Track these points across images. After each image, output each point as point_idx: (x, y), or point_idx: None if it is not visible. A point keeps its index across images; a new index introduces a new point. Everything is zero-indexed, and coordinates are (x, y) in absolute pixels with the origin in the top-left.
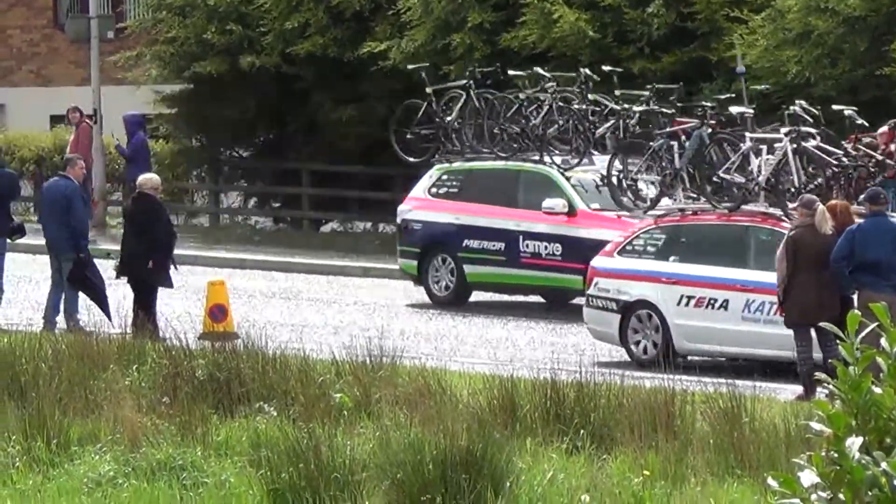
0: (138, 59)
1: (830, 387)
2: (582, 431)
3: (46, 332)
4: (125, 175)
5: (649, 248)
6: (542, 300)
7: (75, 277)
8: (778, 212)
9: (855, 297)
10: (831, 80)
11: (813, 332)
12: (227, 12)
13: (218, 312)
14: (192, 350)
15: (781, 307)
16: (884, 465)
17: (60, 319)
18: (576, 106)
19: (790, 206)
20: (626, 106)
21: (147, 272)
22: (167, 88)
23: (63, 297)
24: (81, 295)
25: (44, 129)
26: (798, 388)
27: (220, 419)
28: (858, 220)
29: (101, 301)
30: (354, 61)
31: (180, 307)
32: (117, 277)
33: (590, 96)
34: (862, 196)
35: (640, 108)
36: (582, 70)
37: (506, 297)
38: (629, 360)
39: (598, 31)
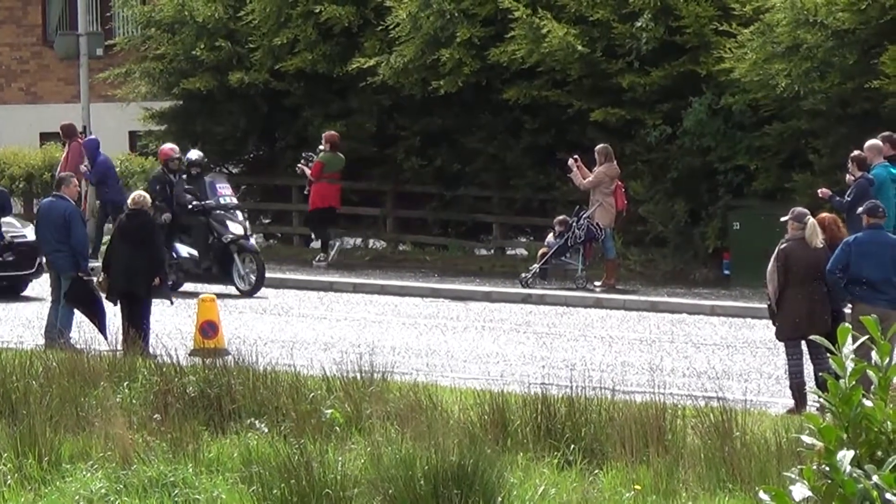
0: (127, 76)
1: (821, 400)
2: (573, 446)
3: (48, 347)
4: (99, 197)
5: None
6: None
7: (74, 296)
8: None
9: (848, 310)
10: (821, 94)
11: (804, 346)
12: (215, 29)
13: (208, 329)
14: (183, 367)
15: (773, 321)
16: (875, 478)
17: (74, 334)
18: None
19: (781, 218)
20: None
21: (151, 288)
22: (156, 105)
23: (59, 313)
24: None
25: (34, 146)
26: (789, 402)
27: (212, 436)
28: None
29: (101, 319)
30: (343, 77)
31: (171, 324)
32: (108, 296)
33: None
34: (861, 209)
35: None
36: None
37: (496, 312)
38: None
39: (586, 46)
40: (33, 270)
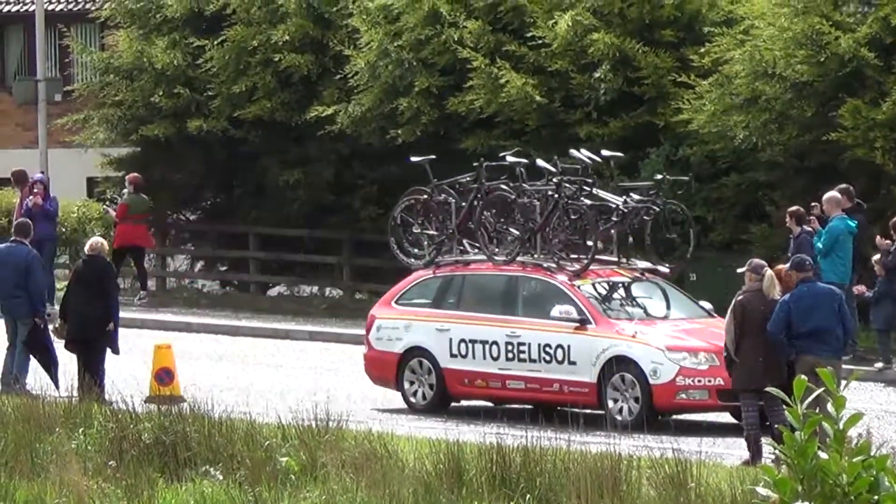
0: (86, 122)
1: (777, 452)
2: (528, 496)
3: (4, 393)
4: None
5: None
6: None
7: (31, 342)
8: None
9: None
10: (779, 146)
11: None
12: (174, 76)
13: (164, 376)
14: (139, 413)
15: (730, 372)
16: None
17: (30, 380)
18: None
19: (739, 269)
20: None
21: (105, 334)
22: (115, 151)
23: (16, 359)
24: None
25: None
26: (744, 453)
27: (166, 483)
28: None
29: (53, 366)
30: (301, 125)
31: (126, 370)
32: (66, 341)
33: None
34: (787, 265)
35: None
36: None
37: None
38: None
39: (545, 96)
40: None
